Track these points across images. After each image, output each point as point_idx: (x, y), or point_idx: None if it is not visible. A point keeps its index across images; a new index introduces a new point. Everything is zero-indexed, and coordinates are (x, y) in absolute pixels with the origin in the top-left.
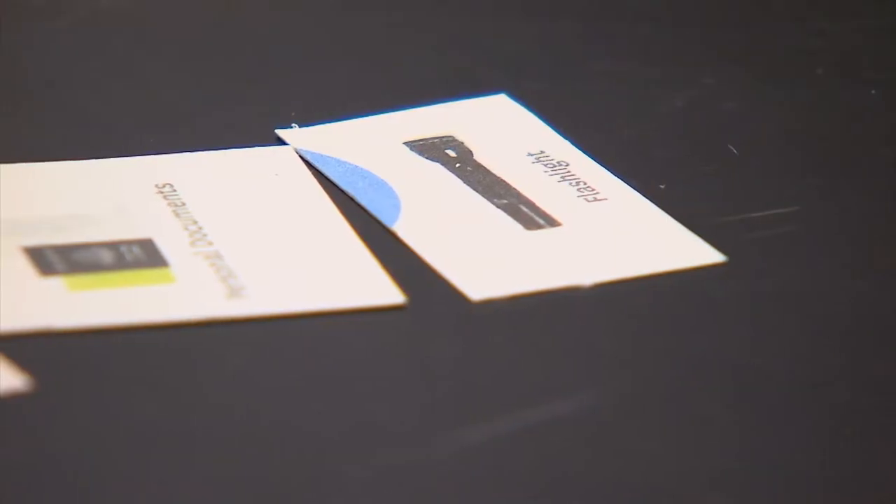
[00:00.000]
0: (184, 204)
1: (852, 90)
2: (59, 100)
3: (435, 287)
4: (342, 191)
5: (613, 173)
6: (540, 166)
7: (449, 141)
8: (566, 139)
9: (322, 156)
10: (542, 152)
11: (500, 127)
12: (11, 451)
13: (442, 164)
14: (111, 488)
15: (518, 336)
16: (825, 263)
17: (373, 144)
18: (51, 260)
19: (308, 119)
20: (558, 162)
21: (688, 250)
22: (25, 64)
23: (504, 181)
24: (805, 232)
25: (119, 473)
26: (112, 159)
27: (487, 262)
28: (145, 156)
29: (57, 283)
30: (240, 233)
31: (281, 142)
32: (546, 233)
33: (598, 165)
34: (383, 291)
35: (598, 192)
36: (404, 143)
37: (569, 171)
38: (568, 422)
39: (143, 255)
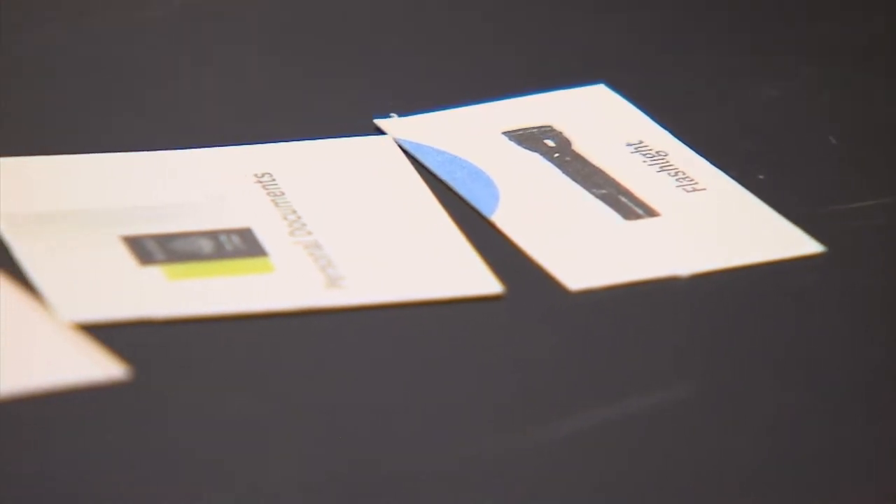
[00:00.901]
0: (283, 193)
1: None
2: (157, 90)
3: (532, 277)
4: (440, 180)
5: (712, 163)
6: (638, 156)
7: (548, 131)
8: (665, 129)
9: (421, 145)
10: (640, 142)
11: (598, 117)
12: (109, 440)
13: (540, 154)
14: (207, 477)
15: (615, 326)
16: None
17: (472, 134)
18: (150, 249)
19: (407, 109)
20: (657, 152)
21: (785, 241)
22: (119, 56)
23: (602, 171)
24: None
25: (216, 463)
26: (212, 148)
27: (585, 251)
28: (245, 145)
29: (156, 273)
30: (338, 222)
31: (380, 131)
32: (644, 223)
33: (696, 155)
34: (481, 281)
35: (696, 182)
36: (503, 133)
37: (667, 162)
38: (663, 413)
39: (242, 245)
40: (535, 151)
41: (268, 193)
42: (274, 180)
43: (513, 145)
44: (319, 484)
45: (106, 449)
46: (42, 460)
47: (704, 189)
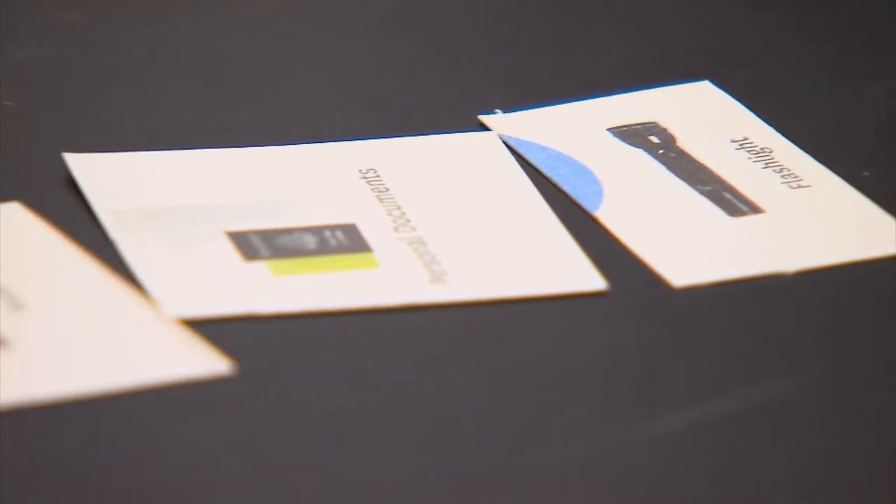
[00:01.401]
0: (387, 189)
1: None
2: (262, 87)
3: (636, 273)
4: (545, 177)
5: (817, 160)
6: (743, 153)
7: (652, 127)
8: (770, 126)
9: (525, 141)
10: (745, 139)
11: (703, 113)
12: (214, 436)
13: (645, 151)
14: (311, 473)
15: (719, 323)
16: None
17: (576, 130)
18: (255, 245)
19: (511, 105)
20: (762, 149)
21: (891, 237)
22: (223, 53)
23: (707, 168)
24: None
25: (319, 458)
26: (316, 144)
27: (689, 248)
28: (349, 141)
29: (261, 268)
30: (442, 218)
31: (484, 127)
32: (749, 219)
33: (801, 152)
34: (585, 277)
35: (801, 179)
36: (607, 130)
37: (772, 158)
38: (765, 411)
39: (347, 240)
40: (640, 148)
41: (372, 189)
42: (379, 176)
43: (617, 141)
44: (423, 480)
45: (210, 444)
46: (147, 456)
47: (809, 186)
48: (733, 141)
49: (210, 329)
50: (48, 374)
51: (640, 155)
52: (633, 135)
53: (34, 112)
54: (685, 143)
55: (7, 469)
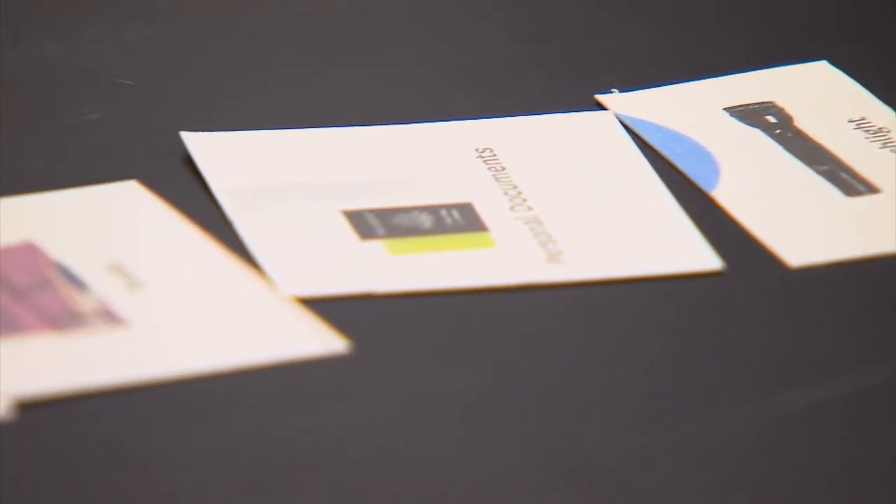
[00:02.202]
0: (504, 168)
1: None
2: (377, 65)
3: (753, 253)
4: (661, 156)
5: None
6: (860, 133)
7: (769, 107)
8: (887, 106)
9: (641, 121)
10: (862, 119)
11: (820, 94)
12: (330, 414)
13: (762, 130)
14: (425, 452)
15: (835, 302)
16: None
17: (692, 110)
18: (371, 224)
19: (628, 84)
20: (879, 128)
21: None
22: (340, 32)
23: (824, 147)
24: None
25: (435, 437)
26: (433, 123)
27: (806, 228)
28: (466, 120)
29: (377, 247)
30: (558, 197)
31: (600, 107)
32: (866, 199)
33: None
34: (701, 257)
35: None
36: (724, 109)
37: (889, 138)
38: (885, 391)
39: (463, 220)
40: (756, 127)
41: (489, 168)
42: (495, 155)
43: (734, 121)
44: (539, 460)
45: (326, 422)
46: (264, 433)
47: None
48: (850, 121)
49: (326, 308)
50: (166, 352)
51: (756, 135)
52: (749, 114)
53: (152, 91)
54: (802, 122)
55: (128, 446)
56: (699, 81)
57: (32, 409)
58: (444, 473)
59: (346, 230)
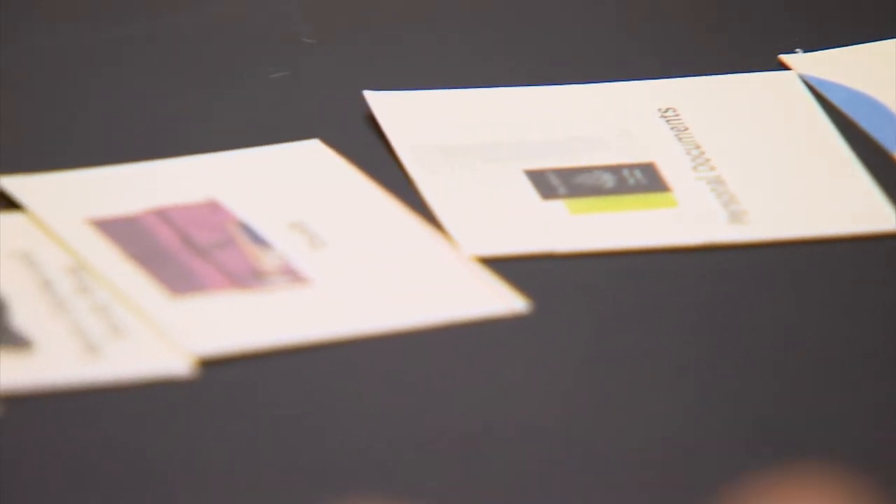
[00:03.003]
0: (686, 128)
1: None
2: (561, 25)
3: None
4: (845, 117)
5: None
6: None
7: None
8: None
9: (826, 81)
10: None
11: None
12: (509, 374)
13: None
14: (602, 409)
15: None
16: None
17: (878, 71)
18: (553, 183)
19: (812, 45)
20: None
21: None
22: None
23: None
24: None
25: (610, 396)
26: (616, 83)
27: None
28: (649, 80)
29: (559, 207)
30: (742, 158)
31: (784, 67)
32: None
33: None
34: (884, 218)
35: None
36: None
37: None
38: None
39: (645, 180)
40: None
41: (672, 128)
42: (678, 115)
43: None
44: (722, 422)
45: (506, 382)
46: (445, 391)
47: None
48: None
49: (507, 267)
50: (348, 311)
51: None
52: None
53: (336, 50)
54: None
55: (311, 403)
56: (885, 42)
57: (215, 367)
58: (626, 434)
59: (528, 189)
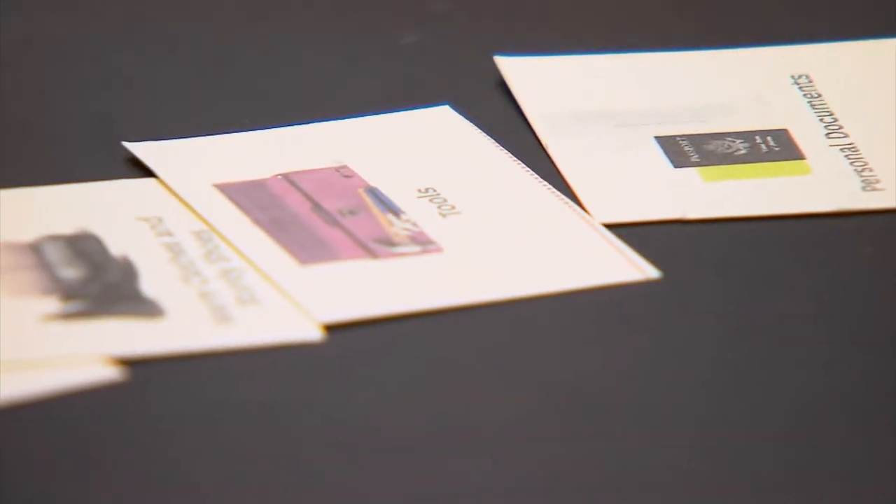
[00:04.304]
0: (819, 95)
1: None
2: None
3: None
4: None
5: None
6: None
7: None
8: None
9: None
10: None
11: None
12: (639, 339)
13: None
14: (737, 376)
15: None
16: None
17: None
18: (685, 150)
19: None
20: None
21: None
22: None
23: None
24: None
25: (743, 364)
26: (748, 48)
27: None
28: (782, 45)
29: (691, 173)
30: (875, 125)
31: None
32: None
33: None
34: None
35: None
36: None
37: None
38: None
39: (778, 146)
40: None
41: (804, 95)
42: (811, 82)
43: None
44: (859, 389)
45: (635, 348)
46: (575, 357)
47: None
48: None
49: (638, 234)
50: (479, 277)
51: None
52: None
53: (466, 15)
54: None
55: (442, 367)
56: None
57: (344, 333)
58: (757, 401)
59: (660, 156)
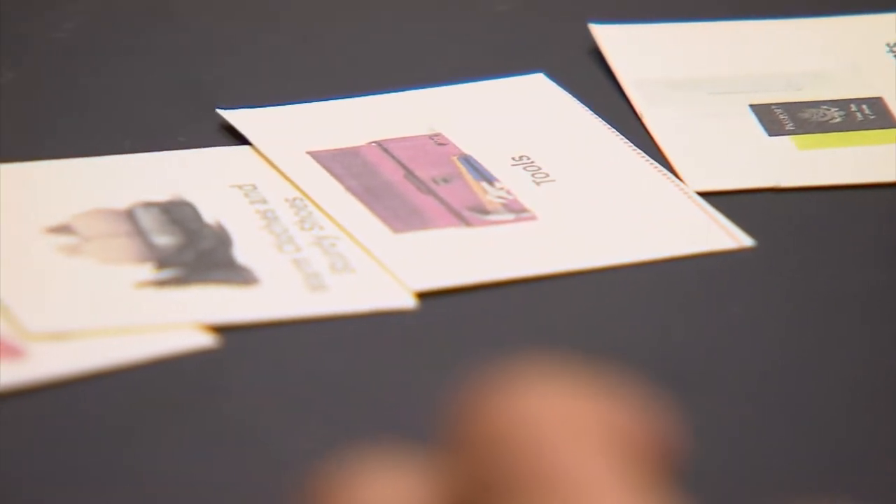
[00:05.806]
0: None
1: None
2: None
3: None
4: None
5: None
6: None
7: None
8: None
9: None
10: None
11: None
12: (729, 310)
13: None
14: (823, 347)
15: None
16: None
17: None
18: (779, 118)
19: None
20: None
21: None
22: None
23: None
24: None
25: (830, 338)
26: (842, 17)
27: None
28: (877, 13)
29: (785, 142)
30: None
31: None
32: None
33: None
34: None
35: None
36: None
37: None
38: None
39: (873, 115)
40: None
41: None
42: None
43: None
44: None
45: (726, 316)
46: (667, 325)
47: None
48: None
49: (733, 202)
50: (574, 245)
51: None
52: None
53: None
54: None
55: (539, 332)
56: None
57: (437, 301)
58: (849, 373)
59: (754, 124)
